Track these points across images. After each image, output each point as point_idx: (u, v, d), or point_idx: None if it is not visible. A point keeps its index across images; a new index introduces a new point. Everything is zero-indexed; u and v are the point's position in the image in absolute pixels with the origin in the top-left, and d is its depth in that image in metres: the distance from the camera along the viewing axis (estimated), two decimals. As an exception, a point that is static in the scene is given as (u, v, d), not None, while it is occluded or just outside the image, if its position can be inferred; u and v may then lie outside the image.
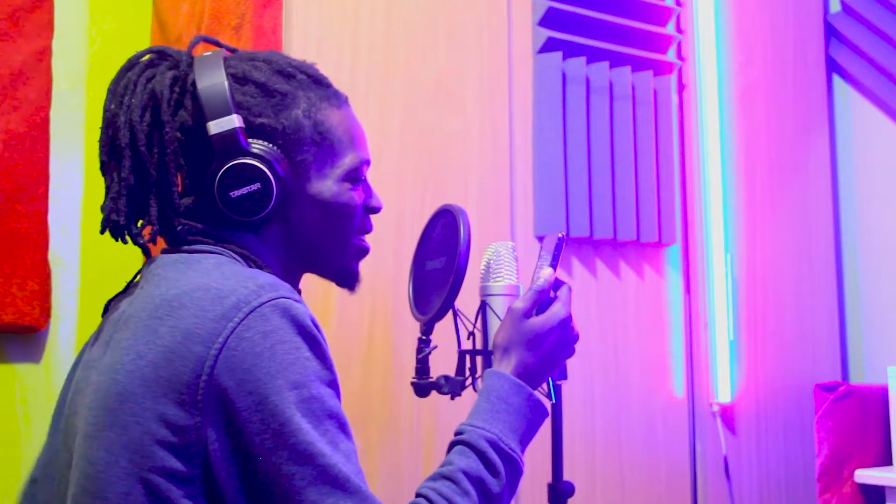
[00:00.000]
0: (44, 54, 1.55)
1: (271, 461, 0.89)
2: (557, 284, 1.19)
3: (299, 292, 1.24)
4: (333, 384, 0.95)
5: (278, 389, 0.89)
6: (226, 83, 1.03)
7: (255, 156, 1.03)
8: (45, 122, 1.54)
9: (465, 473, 1.00)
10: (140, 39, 1.67)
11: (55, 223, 1.54)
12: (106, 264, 1.56)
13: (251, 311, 0.91)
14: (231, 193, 1.02)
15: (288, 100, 1.07)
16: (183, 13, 1.65)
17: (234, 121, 1.02)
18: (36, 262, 1.50)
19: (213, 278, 0.95)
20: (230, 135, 1.02)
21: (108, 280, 1.55)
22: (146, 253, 1.08)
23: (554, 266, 1.19)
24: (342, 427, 0.94)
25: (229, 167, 1.02)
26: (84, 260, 1.58)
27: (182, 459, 0.89)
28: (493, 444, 1.03)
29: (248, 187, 1.03)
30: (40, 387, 1.54)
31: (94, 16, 1.65)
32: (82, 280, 1.58)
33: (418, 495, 0.98)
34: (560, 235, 1.22)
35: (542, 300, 1.16)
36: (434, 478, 1.01)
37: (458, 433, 1.05)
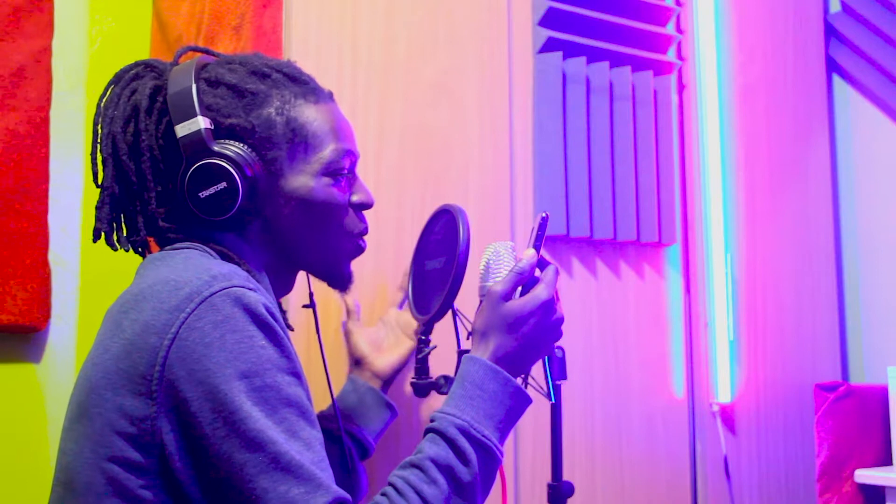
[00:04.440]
0: (44, 54, 1.55)
1: (223, 450, 0.90)
2: (542, 265, 1.17)
3: (311, 294, 1.25)
4: (293, 372, 0.96)
5: (228, 378, 0.90)
6: (193, 87, 1.06)
7: (220, 155, 1.04)
8: (45, 122, 1.54)
9: (434, 461, 1.00)
10: (140, 39, 1.67)
11: (55, 223, 1.54)
12: (106, 264, 1.56)
13: (202, 301, 0.93)
14: (200, 194, 1.05)
15: (259, 99, 1.09)
16: (183, 13, 1.65)
17: (200, 122, 1.04)
18: (36, 262, 1.50)
19: (176, 271, 0.97)
20: (196, 136, 1.04)
21: (108, 280, 1.56)
22: (142, 256, 1.10)
23: (537, 247, 1.17)
24: (303, 414, 0.94)
25: (196, 168, 1.04)
26: (84, 260, 1.58)
27: (139, 449, 0.91)
28: (464, 431, 1.02)
29: (214, 187, 1.04)
30: (40, 387, 1.54)
31: (94, 16, 1.65)
32: (82, 280, 1.58)
33: (388, 484, 0.99)
34: (543, 215, 1.19)
35: (525, 282, 1.14)
36: (403, 466, 1.01)
37: (430, 420, 1.05)
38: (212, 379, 0.90)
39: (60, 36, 1.58)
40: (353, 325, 1.40)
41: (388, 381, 1.38)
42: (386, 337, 1.41)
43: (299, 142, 1.10)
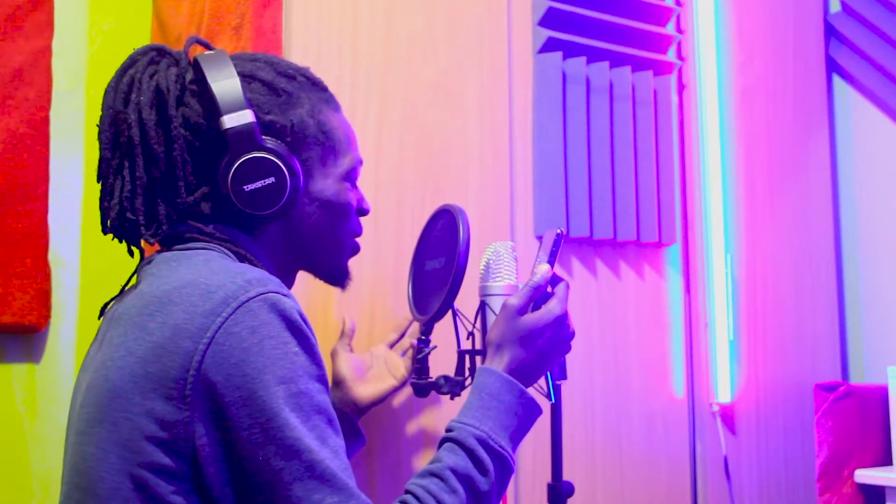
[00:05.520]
0: (44, 54, 1.55)
1: (259, 456, 0.89)
2: (555, 281, 1.18)
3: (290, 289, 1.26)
4: (322, 379, 0.96)
5: (266, 384, 0.90)
6: (238, 79, 1.04)
7: (270, 150, 1.04)
8: (45, 122, 1.54)
9: (454, 471, 1.00)
10: (140, 39, 1.67)
11: (55, 223, 1.54)
12: (106, 264, 1.56)
13: (239, 306, 0.92)
14: (245, 187, 1.03)
15: (293, 99, 1.09)
16: (183, 13, 1.65)
17: (248, 115, 1.03)
18: (36, 262, 1.50)
19: (202, 274, 0.95)
20: (245, 129, 1.02)
21: (108, 280, 1.56)
22: (141, 253, 1.09)
23: (551, 262, 1.19)
24: (330, 422, 0.94)
25: (245, 161, 1.03)
26: (84, 260, 1.58)
27: (170, 455, 0.89)
28: (483, 442, 1.03)
29: (262, 181, 1.03)
30: (40, 387, 1.54)
31: (94, 16, 1.65)
32: (82, 280, 1.58)
33: (407, 492, 0.99)
34: (559, 231, 1.21)
35: (539, 297, 1.16)
36: (423, 475, 1.01)
37: (448, 430, 1.06)
38: (250, 384, 0.89)
39: (60, 36, 1.58)
40: (340, 348, 1.41)
41: (363, 410, 1.37)
42: (370, 368, 1.41)
43: (329, 146, 1.11)
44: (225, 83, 1.03)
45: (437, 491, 0.98)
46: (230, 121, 1.02)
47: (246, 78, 1.07)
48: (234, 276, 0.95)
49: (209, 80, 1.04)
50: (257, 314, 0.92)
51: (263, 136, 1.05)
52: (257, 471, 0.89)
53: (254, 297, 0.92)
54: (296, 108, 1.08)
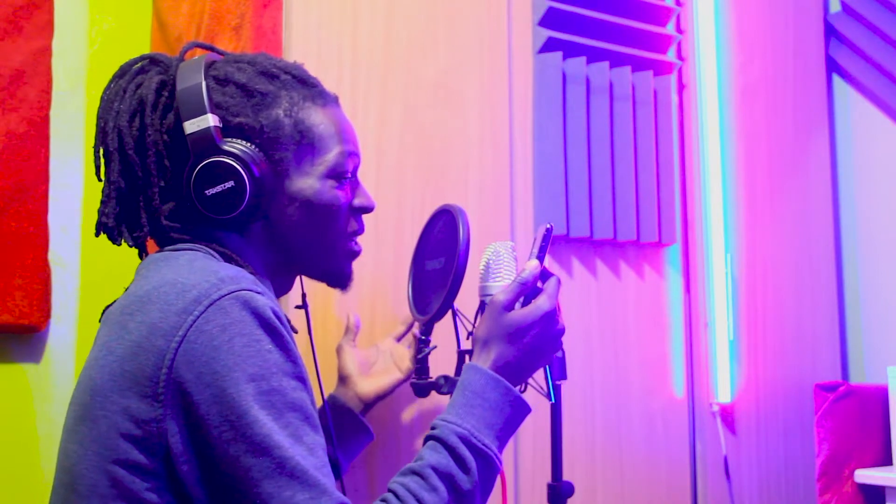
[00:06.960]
0: (44, 54, 1.55)
1: (229, 454, 0.90)
2: (545, 276, 1.17)
3: (304, 295, 1.25)
4: (299, 376, 0.96)
5: (236, 382, 0.90)
6: (203, 84, 1.05)
7: (228, 154, 1.04)
8: (45, 122, 1.54)
9: (435, 469, 1.00)
10: (140, 39, 1.67)
11: (55, 223, 1.54)
12: (106, 265, 1.57)
13: (211, 304, 0.93)
14: (206, 192, 1.04)
15: (268, 99, 1.09)
16: (183, 13, 1.65)
17: (209, 120, 1.04)
18: (36, 262, 1.50)
19: (182, 273, 0.97)
20: (205, 134, 1.04)
21: (108, 280, 1.56)
22: (142, 254, 1.10)
23: (540, 258, 1.17)
24: (307, 419, 0.94)
25: (203, 165, 1.04)
26: (84, 260, 1.58)
27: (145, 452, 0.91)
28: (465, 440, 1.03)
29: (221, 185, 1.04)
30: (40, 387, 1.54)
31: (94, 16, 1.65)
32: (82, 280, 1.58)
33: (388, 490, 0.99)
34: (548, 226, 1.20)
35: (528, 292, 1.15)
36: (404, 473, 1.01)
37: (431, 428, 1.06)
38: (219, 382, 0.90)
39: (60, 36, 1.58)
40: (345, 344, 1.41)
41: (369, 405, 1.38)
42: (376, 363, 1.42)
43: (306, 144, 1.10)
44: (189, 89, 1.05)
45: (417, 489, 0.98)
46: (191, 126, 1.04)
47: (220, 81, 1.08)
48: (208, 274, 0.96)
49: (177, 86, 1.06)
50: (229, 312, 0.92)
51: (231, 140, 1.05)
52: (228, 468, 0.90)
53: (225, 295, 0.93)
54: (270, 109, 1.08)
